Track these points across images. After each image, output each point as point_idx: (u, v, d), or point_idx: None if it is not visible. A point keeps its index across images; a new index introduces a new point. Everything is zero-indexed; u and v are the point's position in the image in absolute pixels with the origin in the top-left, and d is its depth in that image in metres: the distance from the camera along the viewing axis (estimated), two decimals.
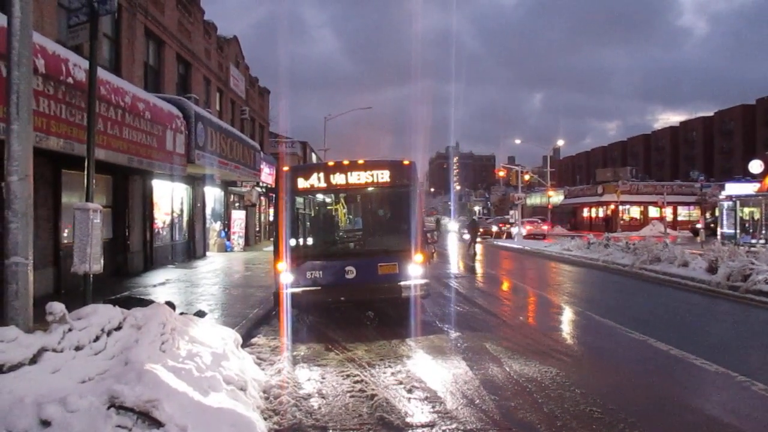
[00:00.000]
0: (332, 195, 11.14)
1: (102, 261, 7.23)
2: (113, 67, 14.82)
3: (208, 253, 23.12)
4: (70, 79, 9.53)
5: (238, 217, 27.33)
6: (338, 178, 9.98)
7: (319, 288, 9.41)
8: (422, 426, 5.27)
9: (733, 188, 37.39)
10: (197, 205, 21.87)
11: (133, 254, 16.14)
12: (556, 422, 5.30)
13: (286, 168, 10.38)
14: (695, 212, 59.23)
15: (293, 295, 9.33)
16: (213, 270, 17.75)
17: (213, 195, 25.08)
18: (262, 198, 33.13)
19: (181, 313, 6.97)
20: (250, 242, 29.13)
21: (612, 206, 59.71)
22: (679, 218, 59.80)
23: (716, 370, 6.95)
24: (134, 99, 12.16)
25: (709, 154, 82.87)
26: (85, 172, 7.49)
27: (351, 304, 9.82)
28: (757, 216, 28.08)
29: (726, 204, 30.63)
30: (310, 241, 10.51)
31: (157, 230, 18.19)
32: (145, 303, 6.57)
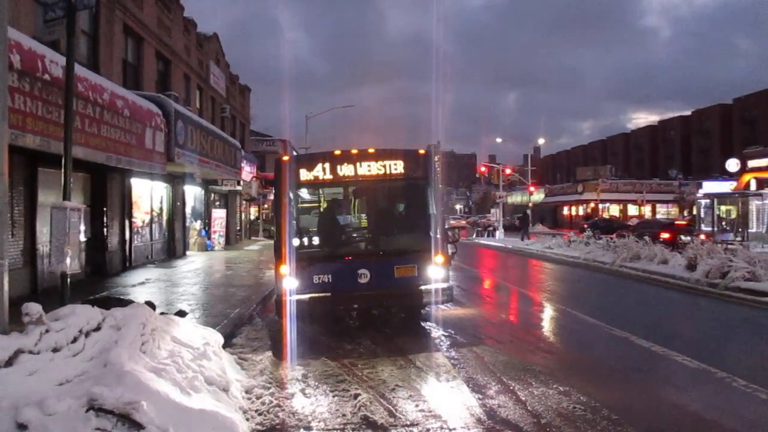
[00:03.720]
0: (340, 188, 10.07)
1: (80, 261, 7.10)
2: (91, 64, 14.58)
3: (188, 253, 22.89)
4: (46, 76, 9.34)
5: (219, 216, 27.12)
6: (346, 169, 8.82)
7: (329, 294, 8.40)
8: (406, 426, 5.25)
9: (710, 186, 38.01)
10: (177, 203, 21.64)
11: (112, 254, 15.91)
12: (540, 420, 5.30)
13: (286, 158, 9.24)
14: (674, 210, 60.20)
15: (299, 302, 8.28)
16: (193, 269, 17.57)
17: (193, 194, 24.85)
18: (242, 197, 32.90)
19: (162, 313, 6.88)
20: (231, 241, 28.91)
21: (592, 204, 60.40)
22: (658, 216, 60.56)
23: (697, 367, 7.02)
24: (113, 96, 11.97)
25: (687, 152, 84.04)
26: (63, 171, 7.35)
27: (365, 311, 9.03)
28: (734, 214, 28.51)
29: (704, 202, 31.01)
30: (315, 240, 9.27)
31: (136, 229, 17.96)
32: (125, 303, 6.46)
